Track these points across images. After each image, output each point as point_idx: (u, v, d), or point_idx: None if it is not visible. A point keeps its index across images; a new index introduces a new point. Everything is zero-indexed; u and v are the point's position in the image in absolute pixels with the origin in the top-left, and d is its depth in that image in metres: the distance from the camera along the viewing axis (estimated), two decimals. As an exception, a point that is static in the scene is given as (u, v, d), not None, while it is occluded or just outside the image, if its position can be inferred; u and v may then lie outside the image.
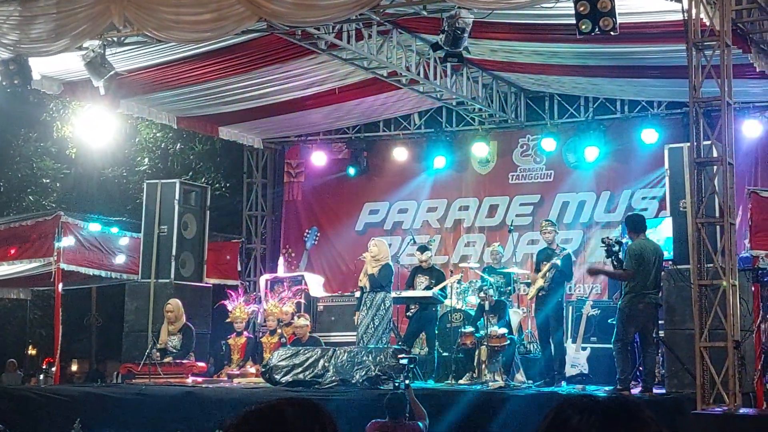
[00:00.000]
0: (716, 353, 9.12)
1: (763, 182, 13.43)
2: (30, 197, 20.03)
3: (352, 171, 16.92)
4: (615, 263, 10.86)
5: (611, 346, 10.72)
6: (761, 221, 11.31)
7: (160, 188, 14.49)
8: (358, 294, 12.92)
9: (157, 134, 20.50)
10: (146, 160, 20.85)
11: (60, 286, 13.73)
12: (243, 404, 2.29)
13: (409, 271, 13.99)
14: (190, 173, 19.94)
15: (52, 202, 19.92)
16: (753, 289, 10.81)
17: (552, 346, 11.85)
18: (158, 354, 12.93)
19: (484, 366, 11.68)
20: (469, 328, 12.27)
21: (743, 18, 10.32)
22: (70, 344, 19.64)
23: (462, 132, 16.42)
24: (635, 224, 10.82)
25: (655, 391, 10.42)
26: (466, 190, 16.45)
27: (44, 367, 16.13)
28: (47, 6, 10.99)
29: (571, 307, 12.72)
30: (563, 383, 11.68)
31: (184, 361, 12.97)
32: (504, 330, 11.85)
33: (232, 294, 14.03)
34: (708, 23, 9.36)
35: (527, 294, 13.18)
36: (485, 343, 11.70)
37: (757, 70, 10.78)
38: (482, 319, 12.10)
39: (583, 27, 9.23)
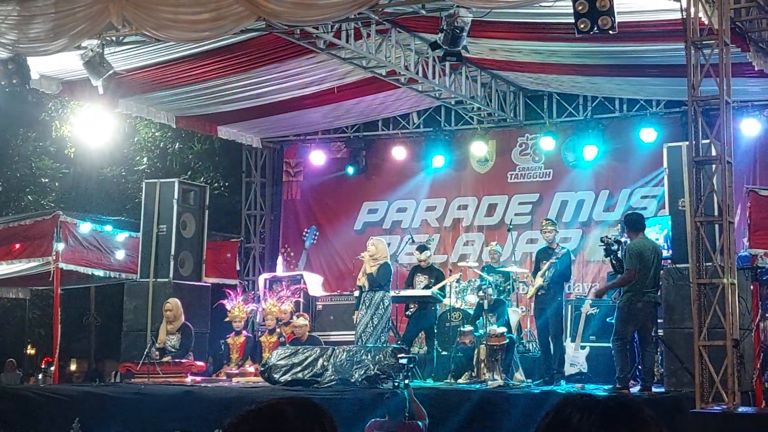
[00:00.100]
0: (715, 352, 9.12)
1: (761, 181, 13.43)
2: (29, 197, 20.03)
3: (350, 170, 16.92)
4: (614, 262, 10.87)
5: (610, 344, 10.73)
6: (760, 220, 11.32)
7: (159, 188, 14.48)
8: (357, 293, 12.93)
9: (156, 133, 20.50)
10: (145, 159, 20.86)
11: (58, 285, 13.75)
12: (242, 403, 2.29)
13: (408, 270, 14.00)
14: (189, 172, 19.95)
15: (50, 201, 19.92)
16: (752, 287, 10.83)
17: (551, 345, 11.85)
18: (157, 353, 12.93)
19: (483, 365, 11.68)
20: (468, 327, 12.26)
21: (742, 17, 10.31)
22: (69, 344, 19.63)
23: (461, 131, 16.42)
24: (634, 223, 10.82)
25: (654, 389, 10.42)
26: (465, 189, 16.45)
27: (43, 366, 16.10)
28: (46, 5, 10.98)
29: (570, 306, 12.71)
30: (562, 382, 11.67)
31: (183, 361, 12.96)
32: (503, 329, 11.84)
33: (231, 293, 14.03)
34: (707, 22, 9.36)
35: (526, 293, 13.19)
36: (484, 342, 11.70)
37: (756, 68, 10.78)
38: (481, 318, 12.10)
39: (582, 26, 9.23)
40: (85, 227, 14.32)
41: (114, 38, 11.60)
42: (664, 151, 11.73)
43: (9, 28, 11.19)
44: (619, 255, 10.81)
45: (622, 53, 12.28)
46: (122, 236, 14.87)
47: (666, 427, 1.94)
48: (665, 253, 11.21)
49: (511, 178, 16.10)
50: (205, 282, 14.86)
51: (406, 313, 13.41)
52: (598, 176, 15.47)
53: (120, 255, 14.77)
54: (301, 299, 14.39)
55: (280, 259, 16.72)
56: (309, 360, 11.66)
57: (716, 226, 9.51)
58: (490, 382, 11.28)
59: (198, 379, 12.76)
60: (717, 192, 9.46)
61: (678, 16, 9.47)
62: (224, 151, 19.70)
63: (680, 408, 9.34)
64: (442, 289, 13.07)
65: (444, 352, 12.70)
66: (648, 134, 14.70)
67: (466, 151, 16.25)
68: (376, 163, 17.03)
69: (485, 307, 12.05)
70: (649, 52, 12.09)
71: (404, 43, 12.94)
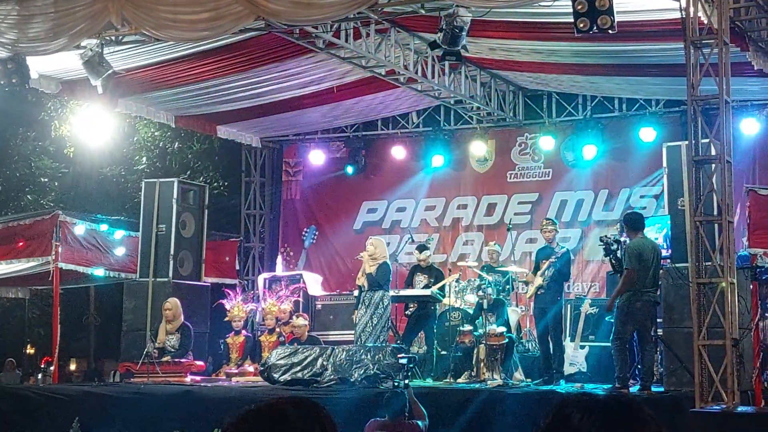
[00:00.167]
0: (714, 351, 9.12)
1: (761, 180, 13.43)
2: (28, 196, 20.02)
3: (350, 170, 16.92)
4: (613, 262, 10.87)
5: (609, 344, 10.73)
6: (759, 219, 11.32)
7: (159, 187, 14.48)
8: (356, 293, 12.92)
9: (156, 133, 20.49)
10: (144, 159, 20.85)
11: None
12: (241, 403, 2.29)
13: (407, 269, 14.00)
14: (189, 172, 19.94)
15: (50, 201, 19.91)
16: (751, 287, 10.82)
17: (550, 344, 11.85)
18: (156, 353, 12.91)
19: (482, 365, 11.68)
20: (468, 327, 12.25)
21: (741, 16, 10.31)
22: (69, 343, 19.62)
23: (460, 130, 16.42)
24: (633, 222, 10.81)
25: (653, 389, 10.41)
26: (464, 188, 16.45)
27: (43, 366, 16.09)
28: (45, 5, 10.97)
29: (569, 306, 12.71)
30: (561, 382, 11.66)
31: (182, 360, 12.97)
32: (502, 328, 11.85)
33: (231, 293, 14.03)
34: (706, 21, 9.36)
35: (526, 292, 13.18)
36: (484, 342, 11.70)
37: (755, 68, 10.78)
38: (481, 317, 12.09)
39: (581, 25, 9.23)
40: (82, 228, 14.30)
41: (113, 38, 11.59)
42: (664, 150, 11.74)
43: (8, 27, 11.19)
44: (619, 254, 10.81)
45: (622, 53, 12.28)
46: (119, 233, 14.86)
47: (666, 426, 1.94)
48: (665, 253, 11.21)
49: (510, 178, 16.09)
50: (205, 282, 14.86)
51: (406, 312, 13.40)
52: (597, 176, 15.47)
53: (119, 252, 14.76)
54: (300, 299, 14.39)
55: (279, 259, 16.72)
56: (308, 360, 11.66)
57: (716, 225, 9.51)
58: (489, 382, 11.28)
59: (197, 378, 12.76)
60: (716, 191, 9.46)
61: (677, 15, 9.47)
62: (224, 150, 19.69)
63: (680, 407, 9.34)
64: (442, 288, 13.06)
65: (443, 352, 12.68)
66: (647, 134, 14.69)
67: (465, 150, 16.25)
68: (375, 163, 17.03)
69: (485, 306, 12.05)
70: (648, 52, 12.09)
71: (403, 43, 12.94)
